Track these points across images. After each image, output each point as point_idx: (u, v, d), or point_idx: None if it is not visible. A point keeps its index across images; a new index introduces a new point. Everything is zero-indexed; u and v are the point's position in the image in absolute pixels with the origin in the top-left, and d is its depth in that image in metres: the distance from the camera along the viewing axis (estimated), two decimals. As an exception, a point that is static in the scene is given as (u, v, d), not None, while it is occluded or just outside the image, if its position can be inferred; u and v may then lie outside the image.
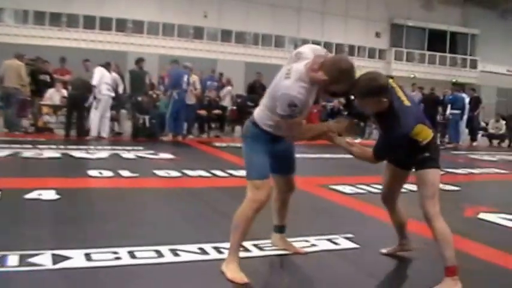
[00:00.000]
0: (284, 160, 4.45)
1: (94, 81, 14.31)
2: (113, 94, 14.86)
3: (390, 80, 4.09)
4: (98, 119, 14.41)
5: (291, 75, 3.91)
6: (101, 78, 14.42)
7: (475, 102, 20.91)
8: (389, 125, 3.96)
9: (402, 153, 4.24)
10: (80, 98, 14.55)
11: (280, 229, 4.78)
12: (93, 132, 14.37)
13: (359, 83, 3.92)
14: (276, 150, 4.23)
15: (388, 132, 4.01)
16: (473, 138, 21.09)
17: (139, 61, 16.15)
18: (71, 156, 10.71)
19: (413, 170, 4.19)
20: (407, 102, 4.02)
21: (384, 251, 4.85)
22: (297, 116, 3.89)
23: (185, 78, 15.37)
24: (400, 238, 4.79)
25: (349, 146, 4.28)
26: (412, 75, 35.70)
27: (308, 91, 3.90)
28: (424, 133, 4.02)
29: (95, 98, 14.39)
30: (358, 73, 4.08)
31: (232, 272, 3.99)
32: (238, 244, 4.16)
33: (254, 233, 4.37)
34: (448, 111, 19.53)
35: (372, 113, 4.10)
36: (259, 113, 4.19)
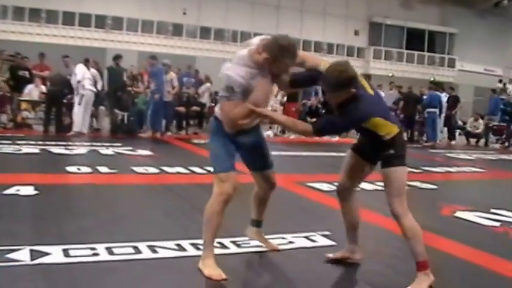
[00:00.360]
0: (255, 155, 4.43)
1: (78, 77, 14.30)
2: (95, 90, 14.86)
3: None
4: (81, 114, 14.40)
5: (233, 59, 4.04)
6: (84, 74, 14.41)
7: (453, 101, 21.08)
8: (346, 109, 3.90)
9: (367, 146, 4.24)
10: (58, 94, 14.59)
11: (257, 223, 4.77)
12: (76, 127, 14.36)
13: (329, 76, 3.89)
14: (242, 143, 4.24)
15: (343, 114, 3.93)
16: (451, 136, 21.25)
17: (116, 58, 16.13)
18: (50, 152, 10.69)
19: (380, 167, 4.11)
20: (370, 91, 4.02)
21: (330, 255, 4.61)
22: (234, 100, 3.93)
23: (164, 75, 15.45)
24: (349, 241, 4.56)
25: (280, 117, 4.32)
26: (390, 74, 35.85)
27: (252, 76, 3.95)
28: (387, 128, 3.96)
29: (78, 93, 14.35)
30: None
31: (209, 269, 4.01)
32: (212, 239, 4.15)
33: (231, 230, 4.38)
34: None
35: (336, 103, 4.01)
36: (219, 106, 4.21)
